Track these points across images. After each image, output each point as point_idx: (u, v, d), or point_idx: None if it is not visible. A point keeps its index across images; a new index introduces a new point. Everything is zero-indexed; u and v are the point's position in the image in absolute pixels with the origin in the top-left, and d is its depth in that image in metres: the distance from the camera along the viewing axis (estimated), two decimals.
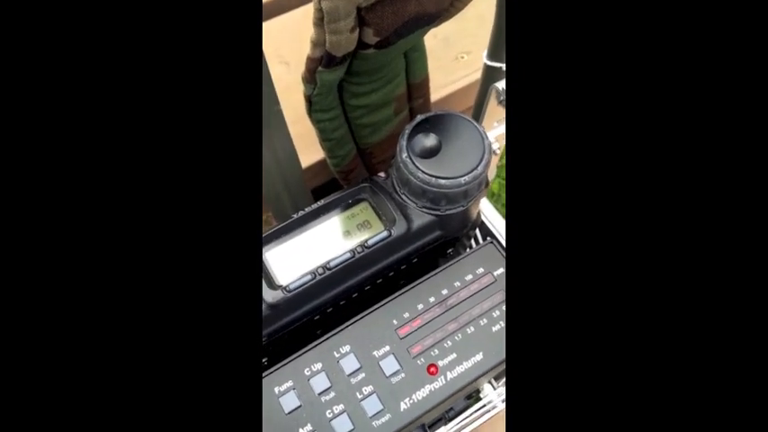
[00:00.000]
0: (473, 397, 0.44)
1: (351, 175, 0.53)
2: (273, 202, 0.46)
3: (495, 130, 0.46)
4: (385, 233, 0.36)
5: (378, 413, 0.35)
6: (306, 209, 0.38)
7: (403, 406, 0.35)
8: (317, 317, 0.37)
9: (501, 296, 0.38)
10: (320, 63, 0.36)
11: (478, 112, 0.49)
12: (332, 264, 0.35)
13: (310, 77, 0.38)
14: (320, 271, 0.35)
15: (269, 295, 0.34)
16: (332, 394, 0.35)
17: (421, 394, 0.35)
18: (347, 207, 0.38)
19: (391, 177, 0.39)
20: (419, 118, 0.37)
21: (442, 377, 0.36)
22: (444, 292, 0.38)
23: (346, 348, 0.36)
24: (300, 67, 0.39)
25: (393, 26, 0.35)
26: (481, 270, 0.39)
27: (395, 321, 0.37)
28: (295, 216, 0.37)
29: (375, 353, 0.36)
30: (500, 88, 0.42)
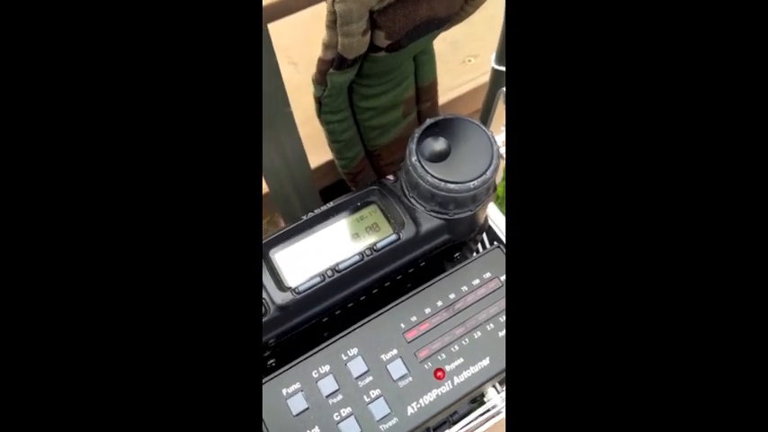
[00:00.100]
0: (477, 401, 0.44)
1: (358, 177, 0.52)
2: (282, 203, 0.46)
3: (503, 135, 0.46)
4: (394, 236, 0.36)
5: (385, 417, 0.35)
6: (315, 211, 0.38)
7: (410, 410, 0.35)
8: (326, 319, 0.37)
9: None
10: (331, 65, 0.36)
11: (486, 115, 0.49)
12: (341, 266, 0.35)
13: (321, 79, 0.38)
14: (329, 273, 0.35)
15: (278, 297, 0.34)
16: (339, 397, 0.35)
17: (428, 398, 0.35)
18: (356, 210, 0.38)
19: (400, 180, 0.39)
20: (429, 122, 0.38)
21: (449, 382, 0.36)
22: (452, 296, 0.38)
23: (354, 351, 0.36)
24: (309, 68, 0.39)
25: (404, 29, 0.35)
26: (488, 275, 0.39)
27: (402, 325, 0.37)
28: (304, 218, 0.37)
29: (383, 356, 0.36)
30: None
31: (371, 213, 0.38)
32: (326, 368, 0.35)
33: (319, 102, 0.41)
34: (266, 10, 0.32)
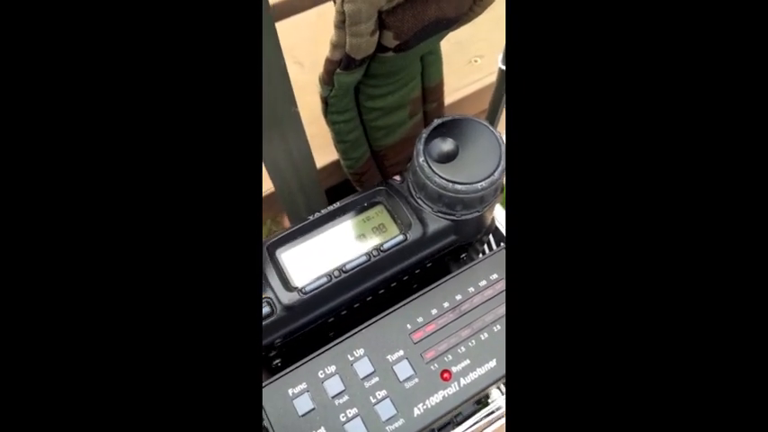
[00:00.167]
0: (482, 402, 0.44)
1: (364, 177, 0.52)
2: (288, 203, 0.46)
3: None
4: (401, 237, 0.36)
5: (391, 418, 0.34)
6: (322, 211, 0.38)
7: (416, 411, 0.35)
8: (332, 319, 0.37)
9: None
10: (339, 65, 0.36)
11: (493, 116, 0.49)
12: (348, 267, 0.35)
13: (328, 79, 0.38)
14: (336, 273, 0.35)
15: (285, 297, 0.34)
16: (345, 398, 0.35)
17: (434, 400, 0.35)
18: (362, 210, 0.38)
19: (407, 181, 0.39)
20: (436, 122, 0.37)
21: (456, 383, 0.36)
22: (458, 297, 0.38)
23: (360, 352, 0.36)
24: (314, 68, 0.39)
25: (413, 30, 0.35)
26: (495, 276, 0.39)
27: (409, 326, 0.37)
28: (311, 218, 0.37)
29: (389, 357, 0.36)
30: None
31: (378, 214, 0.38)
32: (333, 368, 0.35)
33: (326, 102, 0.41)
34: (272, 10, 0.32)
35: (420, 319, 0.37)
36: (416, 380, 0.35)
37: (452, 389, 0.36)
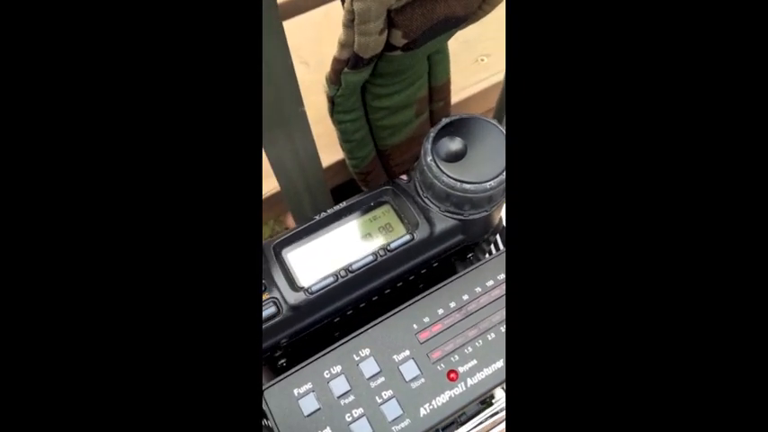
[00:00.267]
0: (486, 402, 0.43)
1: (369, 177, 0.52)
2: (293, 202, 0.46)
3: None
4: (408, 237, 0.36)
5: (397, 418, 0.34)
6: (328, 210, 0.37)
7: (423, 411, 0.35)
8: (338, 319, 0.37)
9: None
10: (347, 64, 0.35)
11: (501, 115, 0.49)
12: (354, 266, 0.35)
13: (335, 78, 0.38)
14: (342, 273, 0.35)
15: (291, 297, 0.34)
16: (351, 398, 0.34)
17: (441, 400, 0.35)
18: (369, 209, 0.38)
19: (414, 180, 0.38)
20: (444, 121, 0.37)
21: (462, 384, 0.36)
22: (465, 297, 0.38)
23: (366, 352, 0.36)
24: (320, 68, 0.39)
25: (422, 28, 0.35)
26: (502, 276, 0.39)
27: (415, 326, 0.37)
28: (317, 217, 0.37)
29: (395, 357, 0.36)
30: None
31: (385, 213, 0.38)
32: (338, 368, 0.35)
33: (332, 101, 0.41)
34: (279, 9, 0.32)
35: (426, 319, 0.37)
36: (423, 380, 0.35)
37: (459, 389, 0.35)
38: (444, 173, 0.35)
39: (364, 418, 0.34)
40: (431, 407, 0.35)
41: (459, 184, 0.35)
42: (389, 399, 0.35)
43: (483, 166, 0.36)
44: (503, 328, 0.37)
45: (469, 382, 0.36)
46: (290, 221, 0.70)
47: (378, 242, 0.37)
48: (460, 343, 0.36)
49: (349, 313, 0.38)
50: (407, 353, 0.36)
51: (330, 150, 0.52)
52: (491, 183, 0.35)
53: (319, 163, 0.44)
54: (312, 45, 0.60)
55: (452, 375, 0.36)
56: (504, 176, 0.35)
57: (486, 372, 0.36)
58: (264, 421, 0.34)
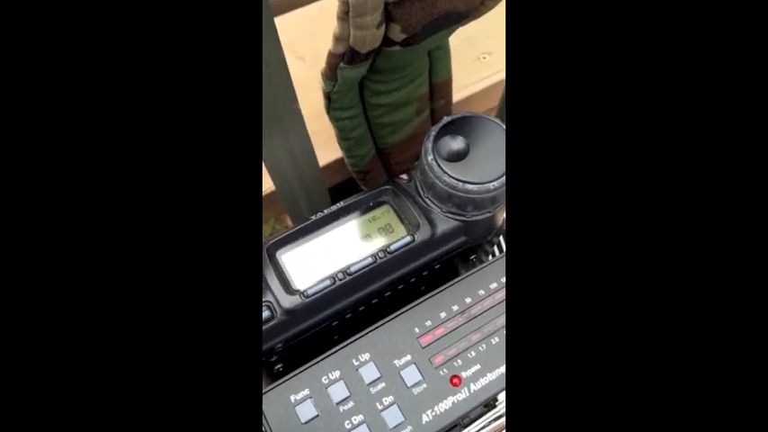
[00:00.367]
0: (489, 405, 0.43)
1: (369, 176, 0.51)
2: (289, 202, 0.45)
3: None
4: (408, 238, 0.35)
5: (398, 425, 0.33)
6: (325, 210, 0.36)
7: (425, 418, 0.34)
8: (336, 322, 0.36)
9: None
10: (342, 59, 0.34)
11: (503, 114, 0.48)
12: (352, 269, 0.34)
13: (331, 74, 0.36)
14: (340, 276, 0.34)
15: (286, 300, 0.33)
16: (351, 404, 0.33)
17: (443, 406, 0.34)
18: (368, 210, 0.37)
19: (414, 180, 0.37)
20: (446, 119, 0.36)
21: (465, 389, 0.35)
22: (468, 300, 0.37)
23: (366, 356, 0.35)
24: (316, 64, 0.38)
25: (421, 23, 0.34)
26: (505, 279, 0.38)
27: (416, 329, 0.36)
28: (314, 218, 0.36)
29: (396, 362, 0.35)
30: None
31: (384, 214, 0.37)
32: (337, 374, 0.34)
33: (329, 98, 0.40)
34: (273, 4, 0.31)
35: (428, 323, 0.36)
36: (425, 385, 0.34)
37: (462, 395, 0.34)
38: (446, 173, 0.34)
39: (364, 425, 0.33)
40: (433, 413, 0.34)
41: (461, 184, 0.34)
42: (390, 405, 0.34)
43: (486, 166, 0.35)
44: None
45: (473, 387, 0.35)
46: (291, 223, 0.69)
47: (377, 243, 0.36)
48: (463, 347, 0.36)
49: (348, 316, 0.36)
50: (409, 357, 0.35)
51: (328, 148, 0.51)
52: (494, 183, 0.34)
53: (315, 161, 0.43)
54: (308, 40, 0.59)
55: (455, 381, 0.35)
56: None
57: (490, 377, 0.35)
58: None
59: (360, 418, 0.33)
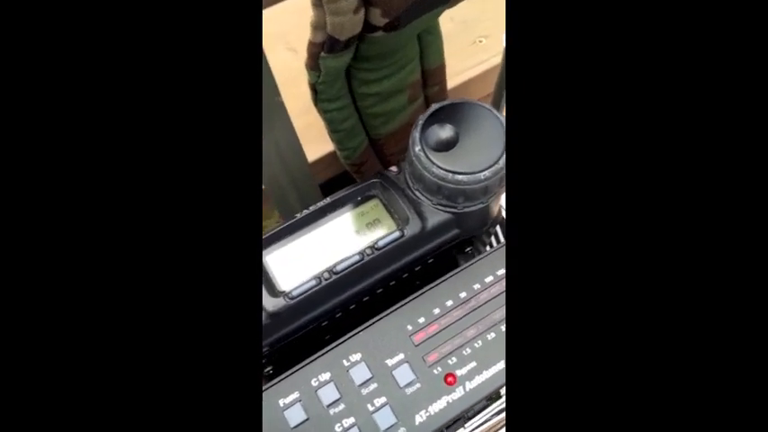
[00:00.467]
0: (493, 398, 0.42)
1: (363, 168, 0.50)
2: (279, 200, 0.44)
3: None
4: (397, 233, 0.34)
5: (391, 427, 0.32)
6: (310, 207, 0.35)
7: (418, 419, 0.33)
8: (325, 322, 0.35)
9: None
10: (323, 48, 0.33)
11: (498, 99, 0.46)
12: (338, 268, 0.33)
13: (313, 64, 0.35)
14: (326, 276, 0.33)
15: (269, 303, 0.32)
16: (341, 406, 0.33)
17: (438, 406, 0.33)
18: (356, 205, 0.36)
19: (404, 172, 0.36)
20: (434, 107, 0.35)
21: (461, 387, 0.34)
22: (463, 294, 0.36)
23: (357, 357, 0.34)
24: None
25: (402, 6, 0.32)
26: (502, 271, 0.36)
27: (409, 327, 0.35)
28: (299, 215, 0.35)
29: (388, 361, 0.34)
30: None
31: (373, 208, 0.36)
32: (327, 376, 0.33)
33: (315, 89, 0.39)
34: None
35: (421, 320, 0.35)
36: (418, 385, 0.33)
37: (457, 394, 0.33)
38: (434, 163, 0.33)
39: (356, 428, 0.32)
40: (427, 414, 0.33)
41: (450, 174, 0.33)
42: (382, 406, 0.33)
43: (477, 155, 0.33)
44: (503, 327, 0.35)
45: (468, 385, 0.34)
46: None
47: (365, 240, 0.34)
48: (458, 344, 0.34)
49: (338, 316, 0.35)
50: (401, 356, 0.34)
51: (320, 141, 0.50)
52: (485, 173, 0.33)
53: (303, 156, 0.41)
54: (299, 31, 0.57)
55: (450, 379, 0.34)
56: (499, 165, 0.33)
57: (486, 374, 0.34)
58: None
59: (351, 420, 0.32)
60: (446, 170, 0.33)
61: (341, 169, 0.53)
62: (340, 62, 0.35)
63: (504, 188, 0.36)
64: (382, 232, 0.34)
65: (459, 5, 0.41)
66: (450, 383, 0.33)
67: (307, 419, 0.32)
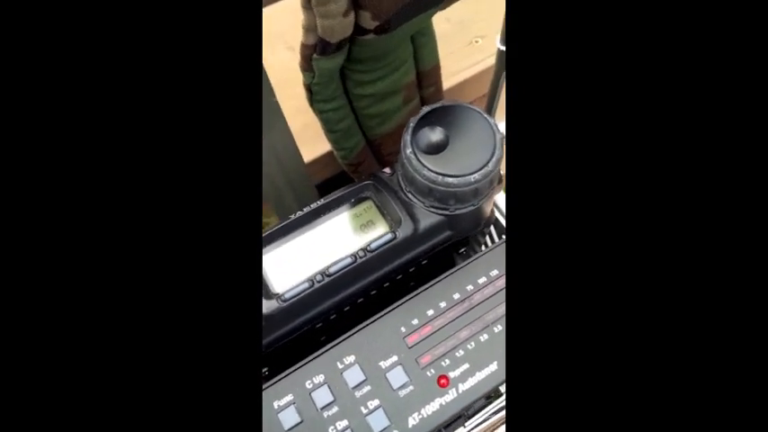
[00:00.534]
0: (492, 397, 0.42)
1: (361, 168, 0.50)
2: (275, 200, 0.44)
3: None
4: (390, 235, 0.34)
5: (384, 429, 0.32)
6: (304, 209, 0.35)
7: (411, 421, 0.33)
8: (319, 324, 0.35)
9: None
10: (315, 50, 0.33)
11: (492, 101, 0.46)
12: (331, 270, 0.33)
13: (307, 66, 0.35)
14: (319, 278, 0.33)
15: (263, 305, 0.32)
16: (335, 409, 0.33)
17: (431, 408, 0.33)
18: (349, 207, 0.36)
19: (396, 174, 0.36)
20: (425, 110, 0.35)
21: (454, 389, 0.34)
22: (456, 296, 0.36)
23: (350, 359, 0.34)
24: None
25: (392, 9, 0.32)
26: (495, 272, 0.36)
27: (403, 329, 0.35)
28: (292, 217, 0.35)
29: (381, 363, 0.34)
30: None
31: (366, 210, 0.36)
32: (321, 378, 0.33)
33: (309, 90, 0.39)
34: None
35: (415, 321, 0.35)
36: (411, 387, 0.33)
37: (450, 396, 0.33)
38: (425, 166, 0.33)
39: (349, 431, 0.32)
40: (420, 416, 0.33)
41: (441, 177, 0.33)
42: (376, 409, 0.33)
43: (467, 158, 0.33)
44: (496, 328, 0.35)
45: (461, 387, 0.34)
46: None
47: (358, 242, 0.34)
48: (452, 345, 0.34)
49: (332, 318, 0.35)
50: (395, 358, 0.34)
51: (317, 141, 0.50)
52: (475, 175, 0.33)
53: (299, 156, 0.41)
54: (298, 30, 0.58)
55: (443, 381, 0.34)
56: (489, 168, 0.33)
57: (480, 376, 0.34)
58: None
59: (344, 423, 0.32)
60: (437, 173, 0.33)
61: (338, 169, 0.53)
62: (333, 64, 0.35)
63: (495, 191, 0.36)
64: (375, 234, 0.34)
65: (455, 6, 0.41)
66: (443, 386, 0.33)
67: (301, 422, 0.32)
